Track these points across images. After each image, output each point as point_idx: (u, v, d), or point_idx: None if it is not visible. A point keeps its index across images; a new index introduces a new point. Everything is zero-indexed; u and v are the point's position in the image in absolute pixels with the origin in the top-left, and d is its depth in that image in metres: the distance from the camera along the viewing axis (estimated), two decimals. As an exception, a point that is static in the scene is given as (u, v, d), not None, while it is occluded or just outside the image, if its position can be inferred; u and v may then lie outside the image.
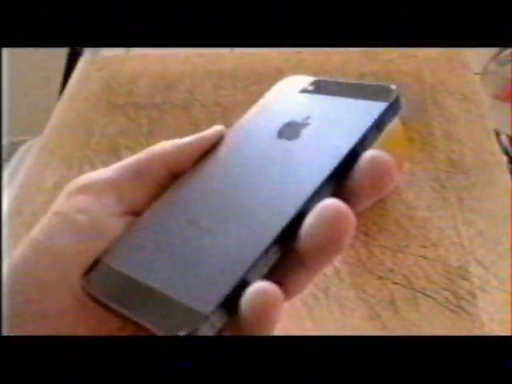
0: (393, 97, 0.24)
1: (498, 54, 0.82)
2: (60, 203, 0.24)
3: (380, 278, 0.47)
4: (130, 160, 0.25)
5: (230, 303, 0.20)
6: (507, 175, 0.54)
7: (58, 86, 0.99)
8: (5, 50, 1.01)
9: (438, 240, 0.49)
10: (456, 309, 0.45)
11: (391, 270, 0.47)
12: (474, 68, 0.66)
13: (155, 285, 0.22)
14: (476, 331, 0.43)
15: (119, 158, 0.59)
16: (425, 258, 0.48)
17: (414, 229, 0.50)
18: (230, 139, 0.27)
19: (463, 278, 0.46)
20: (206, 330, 0.20)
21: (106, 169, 0.25)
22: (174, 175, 0.25)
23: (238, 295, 0.20)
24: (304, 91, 0.27)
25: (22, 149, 0.87)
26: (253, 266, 0.20)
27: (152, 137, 0.61)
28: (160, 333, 0.20)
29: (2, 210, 0.56)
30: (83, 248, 0.22)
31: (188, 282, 0.21)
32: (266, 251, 0.21)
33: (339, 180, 0.22)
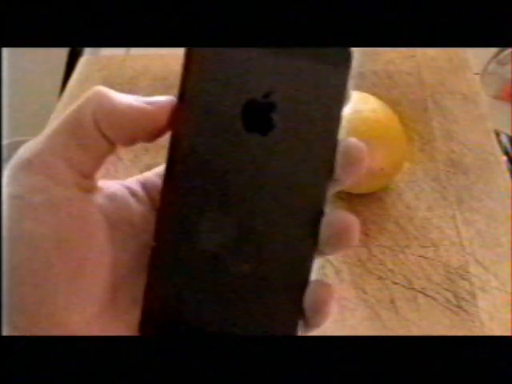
0: (351, 57, 0.23)
1: (497, 54, 0.82)
2: (9, 184, 0.22)
3: (380, 278, 0.47)
4: (63, 122, 0.23)
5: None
6: (507, 175, 0.54)
7: (58, 85, 0.99)
8: (5, 50, 1.01)
9: (438, 240, 0.49)
10: (456, 309, 0.45)
11: (391, 270, 0.47)
12: (474, 68, 0.66)
13: (225, 328, 0.22)
14: (476, 331, 0.43)
15: (119, 158, 0.59)
16: (425, 258, 0.48)
17: (413, 229, 0.50)
18: (190, 133, 0.22)
19: (463, 278, 0.46)
20: None
21: (41, 136, 0.23)
22: (107, 138, 0.23)
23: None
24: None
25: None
26: (306, 285, 0.22)
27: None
28: None
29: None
30: (46, 228, 0.21)
31: (256, 316, 0.22)
32: (312, 261, 0.22)
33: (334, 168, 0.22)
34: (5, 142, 0.93)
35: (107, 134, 0.22)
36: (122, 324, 0.23)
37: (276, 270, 0.22)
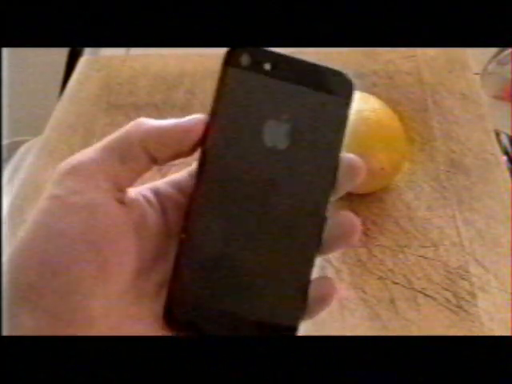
0: (353, 90, 0.27)
1: (497, 54, 0.82)
2: (53, 186, 0.25)
3: (380, 278, 0.47)
4: (111, 141, 0.26)
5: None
6: (507, 175, 0.54)
7: (58, 86, 0.99)
8: (5, 50, 1.01)
9: (438, 240, 0.49)
10: (456, 309, 0.45)
11: (391, 270, 0.47)
12: (474, 68, 0.66)
13: (242, 313, 0.25)
14: (476, 331, 0.43)
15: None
16: (425, 258, 0.48)
17: (413, 229, 0.50)
18: (218, 149, 0.26)
19: (463, 278, 0.46)
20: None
21: (90, 149, 0.26)
22: (153, 158, 0.26)
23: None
24: (262, 72, 0.26)
25: (22, 149, 0.87)
26: (310, 279, 0.26)
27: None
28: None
29: (2, 209, 0.56)
30: (83, 227, 0.24)
31: (263, 302, 0.25)
32: (315, 258, 0.26)
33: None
34: (5, 141, 0.93)
35: (153, 152, 0.26)
36: (146, 310, 0.25)
37: (285, 266, 0.26)
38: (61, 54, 1.02)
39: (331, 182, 0.26)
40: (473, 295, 0.45)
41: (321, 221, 0.26)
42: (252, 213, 0.26)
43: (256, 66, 0.26)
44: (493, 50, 0.81)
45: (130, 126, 0.26)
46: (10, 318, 0.22)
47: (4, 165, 0.84)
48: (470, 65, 0.65)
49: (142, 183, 0.28)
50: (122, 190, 0.26)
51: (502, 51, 0.81)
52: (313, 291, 0.25)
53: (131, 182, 0.26)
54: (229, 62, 0.26)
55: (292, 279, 0.25)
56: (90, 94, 0.67)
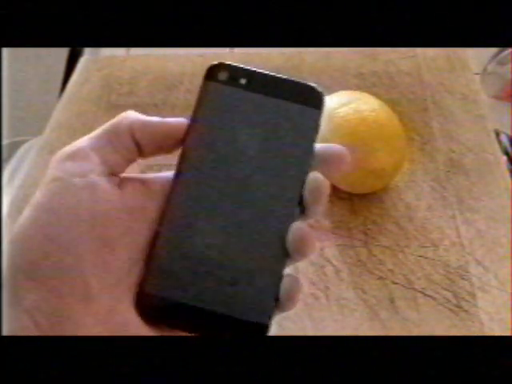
0: (323, 101, 0.28)
1: (497, 54, 0.82)
2: (54, 170, 0.26)
3: (380, 278, 0.47)
4: (103, 130, 0.28)
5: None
6: (507, 175, 0.54)
7: (58, 86, 0.99)
8: (5, 50, 1.01)
9: (438, 240, 0.49)
10: (456, 309, 0.45)
11: (391, 270, 0.47)
12: (474, 68, 0.66)
13: (208, 306, 0.26)
14: (476, 331, 0.43)
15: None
16: (425, 257, 0.48)
17: (413, 229, 0.50)
18: (199, 151, 0.28)
19: (463, 278, 0.47)
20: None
21: (85, 138, 0.28)
22: (139, 148, 0.28)
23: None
24: (238, 86, 0.28)
25: (21, 149, 0.87)
26: (282, 276, 0.26)
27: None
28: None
29: (2, 209, 0.56)
30: (85, 206, 0.25)
31: (236, 299, 0.26)
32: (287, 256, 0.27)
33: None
34: (5, 141, 0.93)
35: (140, 141, 0.28)
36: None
37: (258, 263, 0.26)
38: (61, 54, 1.02)
39: (301, 183, 0.27)
40: (473, 295, 0.45)
41: (290, 220, 0.27)
42: (225, 210, 0.27)
43: (232, 81, 0.28)
44: (493, 50, 0.81)
45: (119, 117, 0.28)
46: (11, 296, 0.23)
47: (4, 165, 0.84)
48: (469, 65, 0.65)
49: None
50: (115, 174, 0.27)
51: (501, 51, 0.81)
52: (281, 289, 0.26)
53: (122, 169, 0.28)
54: (208, 76, 0.29)
55: (265, 276, 0.26)
56: (90, 93, 0.67)
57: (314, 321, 0.45)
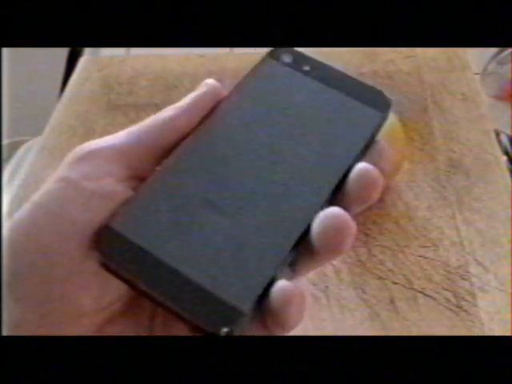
0: (389, 107, 0.26)
1: (497, 54, 0.82)
2: (65, 169, 0.23)
3: (380, 278, 0.47)
4: (134, 127, 0.25)
5: (260, 300, 0.21)
6: (507, 175, 0.54)
7: (58, 86, 0.99)
8: (5, 50, 1.01)
9: (438, 240, 0.49)
10: (456, 309, 0.45)
11: (391, 270, 0.47)
12: (474, 68, 0.66)
13: (179, 266, 0.21)
14: (476, 331, 0.43)
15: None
16: (425, 257, 0.48)
17: (413, 229, 0.50)
18: (232, 113, 0.26)
19: (463, 278, 0.46)
20: (239, 329, 0.20)
21: (109, 136, 0.24)
22: (178, 142, 0.25)
23: (267, 292, 0.21)
24: (300, 70, 0.27)
25: (21, 149, 0.87)
26: (280, 265, 0.22)
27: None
28: (199, 324, 0.20)
29: (2, 209, 0.56)
30: (92, 215, 0.22)
31: (218, 272, 0.21)
32: (291, 250, 0.22)
33: (338, 189, 0.24)
34: (5, 142, 0.93)
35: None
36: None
37: (253, 247, 0.22)
38: (61, 54, 1.02)
39: (337, 178, 0.24)
40: (473, 295, 0.45)
41: (305, 221, 0.22)
42: (238, 173, 0.24)
43: (294, 65, 0.27)
44: (493, 50, 0.81)
45: (155, 116, 0.26)
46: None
47: (4, 165, 0.84)
48: (470, 65, 0.65)
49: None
50: (139, 178, 0.24)
51: (502, 51, 0.81)
52: (277, 293, 0.21)
53: (148, 172, 0.24)
54: (271, 55, 0.27)
55: (256, 263, 0.21)
56: (90, 93, 0.67)
57: (314, 321, 0.45)
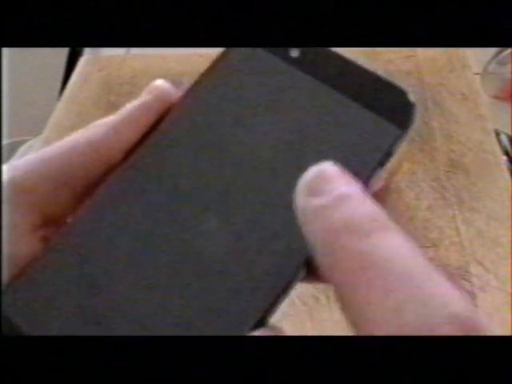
0: (412, 117, 0.19)
1: (497, 54, 0.82)
2: None
3: (380, 278, 0.47)
4: (43, 155, 0.19)
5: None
6: (507, 175, 0.54)
7: (58, 86, 0.99)
8: (5, 50, 1.01)
9: (438, 240, 0.49)
10: (456, 309, 0.45)
11: (391, 270, 0.47)
12: (474, 68, 0.66)
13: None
14: (476, 331, 0.43)
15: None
16: (425, 258, 0.48)
17: (413, 229, 0.50)
18: (188, 125, 0.19)
19: (463, 278, 0.46)
20: None
21: (13, 165, 0.19)
22: (111, 166, 0.19)
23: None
24: (287, 59, 0.20)
25: (21, 149, 0.87)
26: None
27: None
28: None
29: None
30: None
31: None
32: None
33: None
34: (5, 142, 0.93)
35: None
36: None
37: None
38: (61, 54, 1.02)
39: None
40: (473, 295, 0.45)
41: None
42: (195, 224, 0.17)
43: (283, 53, 0.20)
44: (493, 50, 0.81)
45: (77, 135, 0.20)
46: None
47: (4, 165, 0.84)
48: (470, 65, 0.65)
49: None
50: (56, 223, 0.19)
51: (502, 51, 0.81)
52: None
53: (74, 201, 0.19)
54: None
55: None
56: (90, 93, 0.67)
57: (314, 321, 0.45)
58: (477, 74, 0.69)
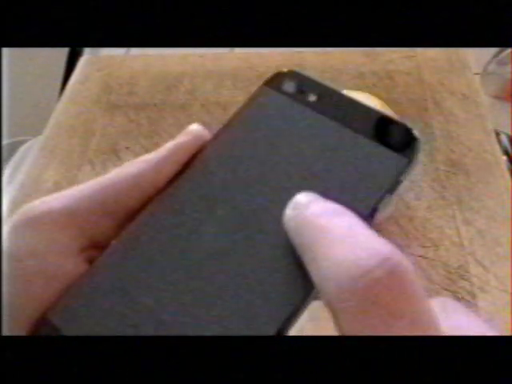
0: (416, 149, 0.20)
1: (497, 54, 0.82)
2: (8, 240, 0.19)
3: (380, 278, 0.47)
4: (93, 186, 0.21)
5: None
6: (507, 175, 0.54)
7: (58, 85, 0.99)
8: (5, 50, 1.01)
9: (438, 240, 0.49)
10: (456, 309, 0.45)
11: (391, 270, 0.47)
12: (474, 68, 0.66)
13: None
14: (476, 331, 0.43)
15: (119, 159, 0.59)
16: (425, 257, 0.48)
17: (413, 229, 0.50)
18: (218, 163, 0.22)
19: (463, 278, 0.46)
20: None
21: (61, 194, 0.21)
22: (148, 200, 0.22)
23: None
24: (308, 104, 0.22)
25: (22, 149, 0.87)
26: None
27: (152, 137, 0.61)
28: None
29: (2, 209, 0.56)
30: (34, 298, 0.19)
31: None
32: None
33: None
34: (5, 141, 0.93)
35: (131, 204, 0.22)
36: None
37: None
38: (61, 54, 1.02)
39: None
40: (473, 295, 0.45)
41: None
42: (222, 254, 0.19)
43: (298, 95, 0.23)
44: (493, 50, 0.81)
45: (119, 169, 0.22)
46: None
47: (4, 165, 0.84)
48: (470, 65, 0.65)
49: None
50: (99, 246, 0.21)
51: (502, 51, 0.81)
52: None
53: (116, 228, 0.21)
54: (269, 82, 0.23)
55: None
56: (89, 93, 0.67)
57: (314, 321, 0.45)
58: (477, 73, 0.69)
